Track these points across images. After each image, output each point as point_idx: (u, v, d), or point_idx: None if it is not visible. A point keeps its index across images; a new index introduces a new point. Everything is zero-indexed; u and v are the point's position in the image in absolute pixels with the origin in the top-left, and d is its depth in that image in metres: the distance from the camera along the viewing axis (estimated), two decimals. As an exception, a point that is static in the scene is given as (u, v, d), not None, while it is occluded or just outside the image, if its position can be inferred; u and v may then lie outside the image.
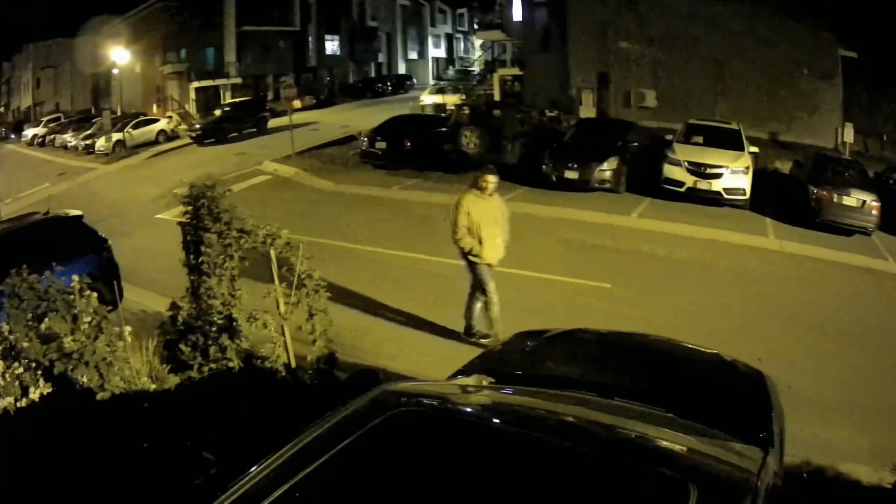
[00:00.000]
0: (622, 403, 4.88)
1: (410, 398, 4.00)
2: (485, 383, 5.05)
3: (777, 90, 33.62)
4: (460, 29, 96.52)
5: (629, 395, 5.07)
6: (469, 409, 4.18)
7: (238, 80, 60.42)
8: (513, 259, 14.98)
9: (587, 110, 34.43)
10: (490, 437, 3.78)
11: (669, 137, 24.19)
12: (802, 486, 4.22)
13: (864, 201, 19.89)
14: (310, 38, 68.58)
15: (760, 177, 24.20)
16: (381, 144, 25.73)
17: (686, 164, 21.22)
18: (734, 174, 20.94)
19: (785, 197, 22.56)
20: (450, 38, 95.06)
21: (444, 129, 26.01)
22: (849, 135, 31.38)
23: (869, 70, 33.82)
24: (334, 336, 8.84)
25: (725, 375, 6.22)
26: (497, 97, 41.35)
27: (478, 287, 10.99)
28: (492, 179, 10.82)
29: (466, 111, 26.65)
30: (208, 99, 57.67)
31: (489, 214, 10.85)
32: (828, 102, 33.79)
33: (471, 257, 10.83)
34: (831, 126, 33.16)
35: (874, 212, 19.83)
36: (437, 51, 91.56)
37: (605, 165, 21.73)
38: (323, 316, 8.53)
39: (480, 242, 10.76)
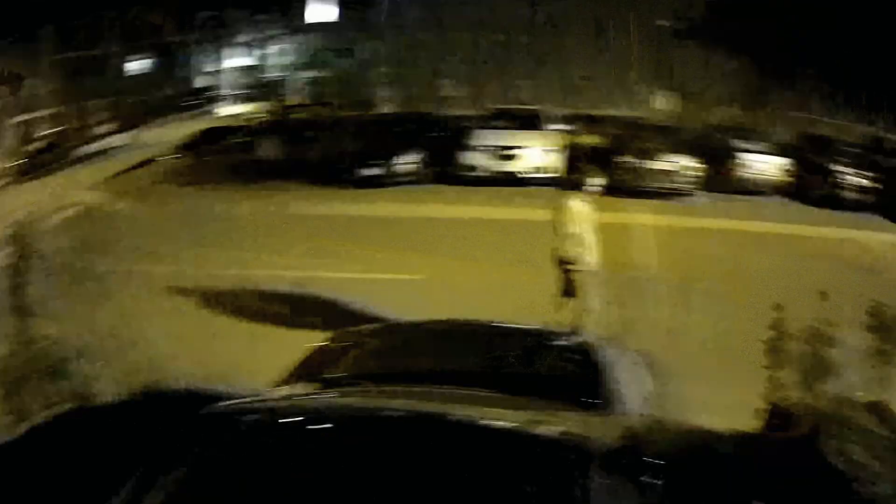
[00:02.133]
0: (447, 390, 4.88)
1: (239, 416, 4.05)
2: (309, 389, 5.10)
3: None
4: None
5: (454, 380, 5.09)
6: (295, 418, 4.16)
7: None
8: None
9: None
10: (319, 441, 3.86)
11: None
12: (651, 444, 4.49)
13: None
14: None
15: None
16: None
17: (489, 148, 21.70)
18: (541, 153, 21.56)
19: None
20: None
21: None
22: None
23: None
24: (162, 363, 8.65)
25: (551, 346, 6.38)
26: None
27: None
28: None
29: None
30: None
31: None
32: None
33: None
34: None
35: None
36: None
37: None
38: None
39: None
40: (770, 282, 8.32)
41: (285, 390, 5.13)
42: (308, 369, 5.76)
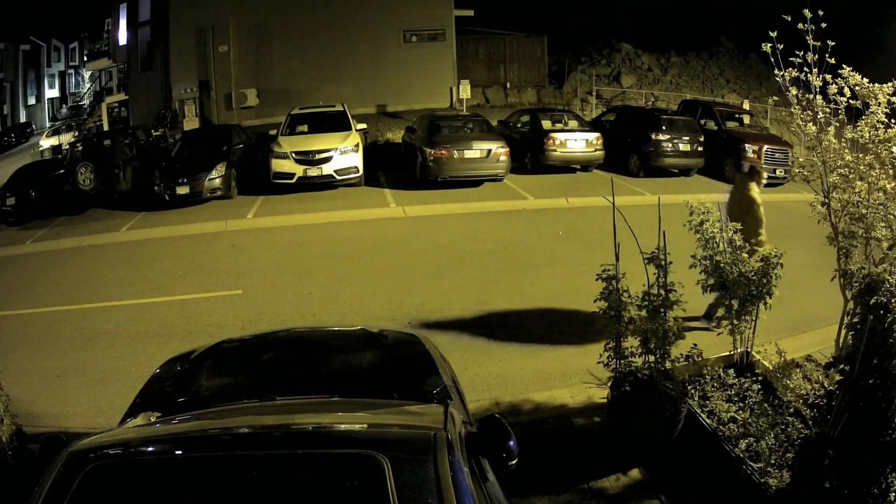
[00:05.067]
0: (290, 401, 5.01)
1: (97, 452, 3.88)
2: (153, 419, 4.88)
3: (384, 62, 34.70)
4: (72, 64, 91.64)
5: (294, 390, 5.26)
6: (152, 447, 4.14)
7: None
8: (141, 287, 14.50)
9: (191, 122, 33.26)
10: (179, 467, 3.81)
11: (274, 132, 24.30)
12: (498, 427, 4.32)
13: (490, 150, 21.05)
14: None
15: (373, 151, 25.55)
16: (11, 201, 23.79)
17: (293, 154, 21.50)
18: (344, 154, 21.50)
19: (402, 165, 23.70)
20: (63, 76, 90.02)
21: (62, 171, 24.58)
22: (465, 91, 33.02)
23: (490, 24, 36.21)
24: (15, 410, 8.02)
25: (380, 346, 6.49)
26: (106, 126, 39.45)
27: None
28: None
29: (80, 147, 25.33)
30: None
31: None
32: (441, 64, 35.33)
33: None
34: (446, 86, 34.75)
35: (503, 157, 21.10)
36: (52, 91, 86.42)
37: (214, 174, 21.53)
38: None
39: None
40: (597, 253, 8.43)
41: (135, 422, 4.97)
42: (148, 399, 5.72)
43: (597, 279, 7.77)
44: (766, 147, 23.10)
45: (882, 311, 5.47)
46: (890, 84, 7.05)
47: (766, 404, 7.34)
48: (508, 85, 39.02)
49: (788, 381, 7.21)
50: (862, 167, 7.24)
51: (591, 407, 8.45)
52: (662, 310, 7.38)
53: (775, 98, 8.58)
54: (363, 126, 24.31)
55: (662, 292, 7.50)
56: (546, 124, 24.14)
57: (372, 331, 6.72)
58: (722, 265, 8.03)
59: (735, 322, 8.16)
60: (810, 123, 7.51)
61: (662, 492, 6.83)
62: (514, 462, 4.20)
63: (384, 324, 10.52)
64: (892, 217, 7.13)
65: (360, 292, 13.22)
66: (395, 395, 5.03)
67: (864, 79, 7.19)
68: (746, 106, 30.97)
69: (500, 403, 8.66)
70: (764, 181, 11.33)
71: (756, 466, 6.55)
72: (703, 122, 25.51)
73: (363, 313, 11.91)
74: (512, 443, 4.19)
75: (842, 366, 5.87)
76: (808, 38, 7.23)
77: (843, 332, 7.06)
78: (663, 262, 7.54)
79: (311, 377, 5.68)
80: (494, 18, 38.45)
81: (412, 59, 34.93)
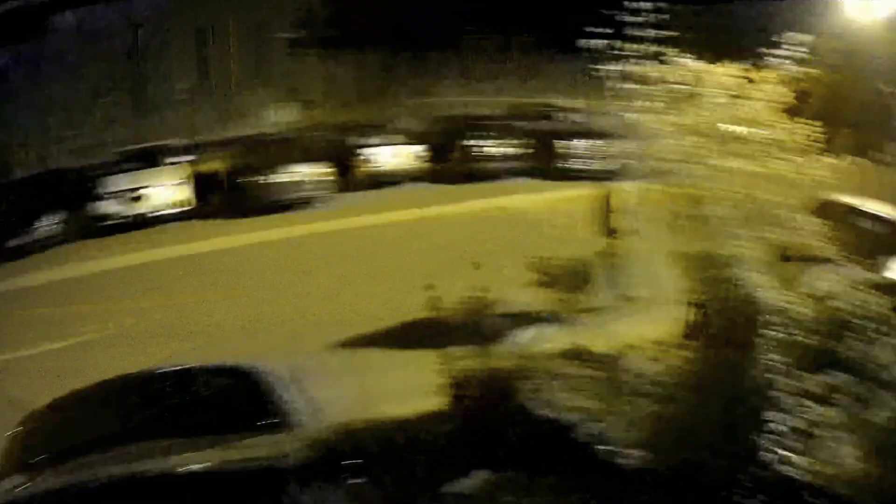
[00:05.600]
0: (139, 446, 5.21)
1: None
2: (19, 481, 5.05)
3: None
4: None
5: (141, 433, 5.47)
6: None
7: None
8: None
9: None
10: None
11: None
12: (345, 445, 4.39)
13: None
14: None
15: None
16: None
17: (119, 193, 20.65)
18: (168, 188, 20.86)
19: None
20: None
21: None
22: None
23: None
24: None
25: (215, 378, 6.67)
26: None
27: None
28: None
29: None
30: None
31: None
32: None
33: None
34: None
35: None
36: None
37: None
38: None
39: None
40: (420, 265, 8.45)
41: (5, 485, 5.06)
42: (12, 458, 5.77)
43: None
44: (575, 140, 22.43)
45: (723, 286, 5.58)
46: (720, 63, 7.06)
47: (607, 388, 7.33)
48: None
49: (629, 364, 7.22)
50: (697, 149, 7.22)
51: (430, 416, 8.30)
52: (486, 309, 7.46)
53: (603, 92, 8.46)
54: None
55: (483, 294, 7.59)
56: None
57: (202, 366, 6.94)
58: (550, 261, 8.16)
59: (574, 312, 8.23)
60: (637, 112, 7.48)
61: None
62: (366, 480, 4.51)
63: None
64: (735, 195, 7.11)
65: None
66: (248, 428, 5.21)
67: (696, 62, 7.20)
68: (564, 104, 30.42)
69: (348, 423, 8.52)
70: None
71: (608, 448, 6.58)
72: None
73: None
74: (361, 462, 4.63)
75: (685, 341, 5.94)
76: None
77: (687, 309, 7.12)
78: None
79: (161, 415, 5.94)
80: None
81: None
